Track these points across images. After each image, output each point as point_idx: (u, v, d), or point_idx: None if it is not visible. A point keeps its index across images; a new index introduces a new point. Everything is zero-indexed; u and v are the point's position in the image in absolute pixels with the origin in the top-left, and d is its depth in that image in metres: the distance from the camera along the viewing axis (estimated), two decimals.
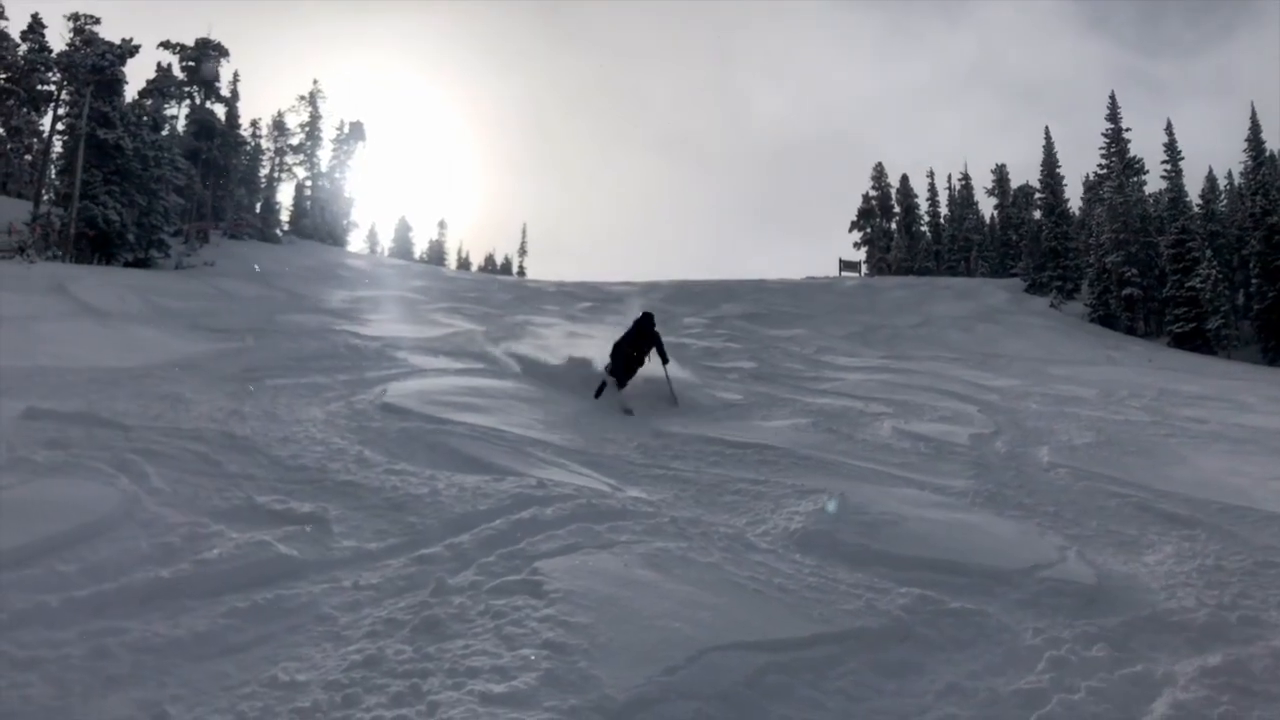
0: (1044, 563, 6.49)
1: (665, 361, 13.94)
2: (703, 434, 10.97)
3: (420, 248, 78.65)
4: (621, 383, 13.57)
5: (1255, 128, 48.45)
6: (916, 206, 70.72)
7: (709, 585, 4.97)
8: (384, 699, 3.56)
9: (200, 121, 47.50)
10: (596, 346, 15.38)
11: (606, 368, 13.64)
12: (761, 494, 7.80)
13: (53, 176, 38.48)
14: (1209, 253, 45.13)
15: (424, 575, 4.93)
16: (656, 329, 14.14)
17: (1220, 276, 43.98)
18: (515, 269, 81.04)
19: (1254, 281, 45.39)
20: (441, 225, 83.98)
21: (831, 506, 7.18)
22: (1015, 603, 5.63)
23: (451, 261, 79.54)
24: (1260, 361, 40.65)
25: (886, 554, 6.31)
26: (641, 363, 13.72)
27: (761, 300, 40.72)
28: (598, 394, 13.34)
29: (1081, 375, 25.10)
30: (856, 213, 71.21)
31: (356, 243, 63.95)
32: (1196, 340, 42.33)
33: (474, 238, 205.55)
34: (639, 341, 13.80)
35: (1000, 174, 65.97)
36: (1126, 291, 46.54)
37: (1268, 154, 49.28)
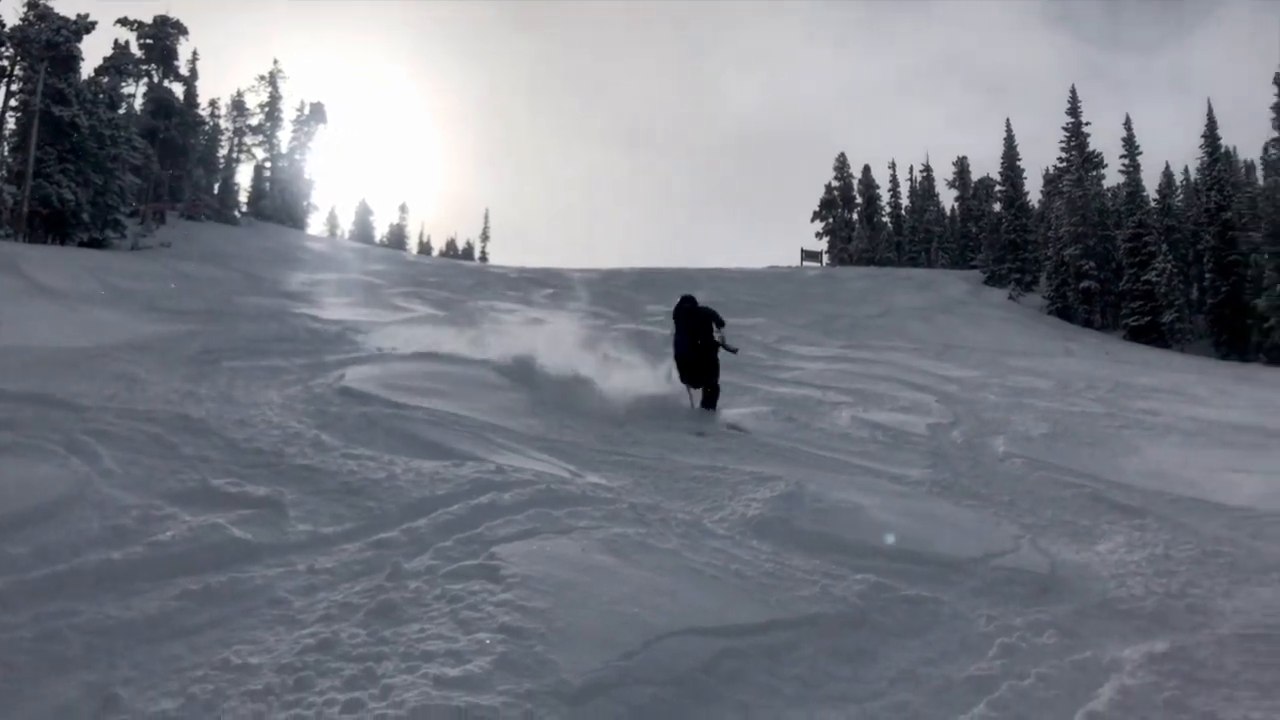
0: (998, 551, 6.57)
1: (721, 325, 12.51)
2: (663, 421, 11.00)
3: (381, 231, 78.11)
4: (691, 382, 12.27)
5: (1211, 124, 49.13)
6: (878, 198, 71.10)
7: (666, 571, 4.99)
8: (337, 682, 3.53)
9: (158, 100, 46.78)
10: (552, 337, 15.15)
11: (672, 376, 12.43)
12: (720, 481, 7.82)
13: (5, 154, 37.75)
14: (1165, 247, 45.80)
15: (380, 559, 4.90)
16: (701, 307, 12.61)
17: (1175, 271, 44.66)
18: (477, 254, 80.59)
19: (1208, 276, 46.13)
20: (403, 209, 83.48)
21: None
22: (969, 590, 5.70)
23: (413, 246, 78.93)
24: (1213, 355, 41.34)
25: (843, 541, 6.36)
26: (709, 357, 12.24)
27: (723, 289, 40.76)
28: (702, 404, 12.16)
29: (1039, 367, 25.42)
30: (819, 203, 71.45)
31: (316, 225, 63.23)
32: (1151, 333, 42.98)
33: (436, 222, 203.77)
34: (694, 332, 12.25)
35: (961, 166, 66.49)
36: (1084, 284, 47.14)
37: (1223, 150, 50.08)
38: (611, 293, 37.46)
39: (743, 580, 5.12)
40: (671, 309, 12.82)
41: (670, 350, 12.63)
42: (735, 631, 4.35)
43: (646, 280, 43.76)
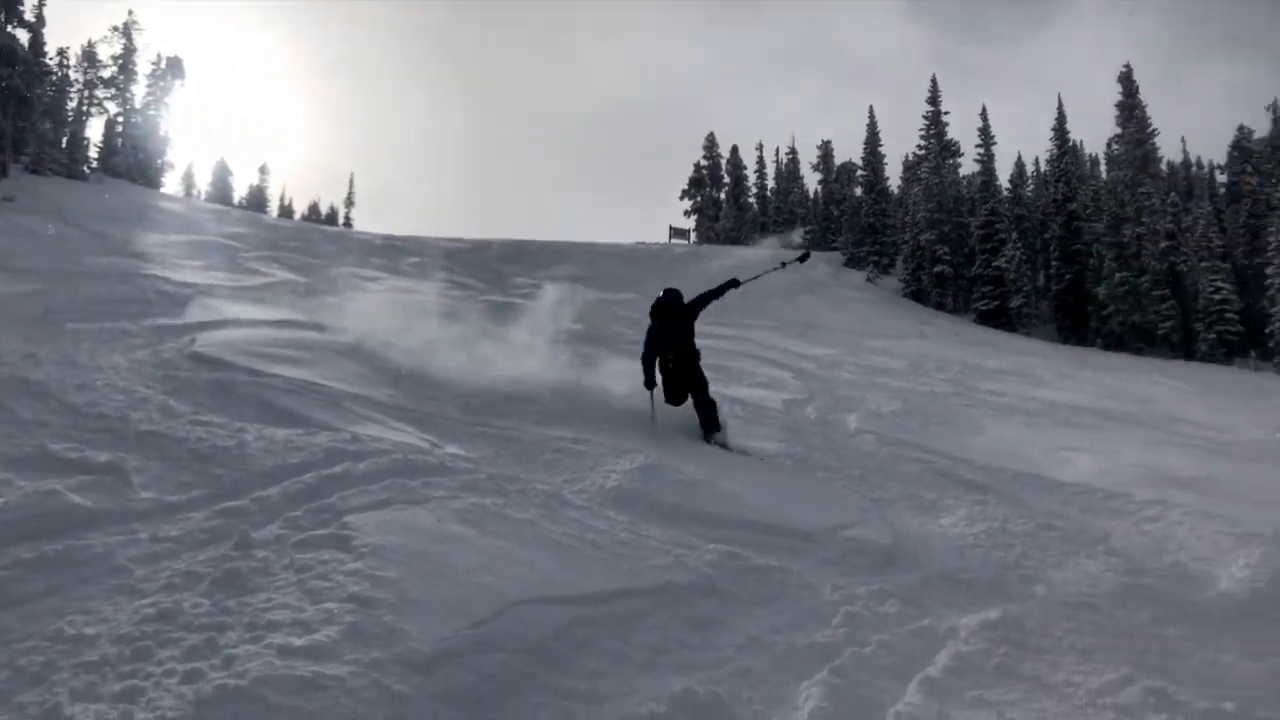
0: (846, 523, 6.79)
1: (724, 290, 10.34)
2: (527, 393, 10.95)
3: (240, 193, 75.21)
4: (675, 400, 10.02)
5: (1061, 118, 51.36)
6: (745, 178, 71.98)
7: (522, 541, 4.99)
8: (177, 653, 3.43)
9: (0, 46, 43.99)
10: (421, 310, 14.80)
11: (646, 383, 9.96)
12: (582, 453, 7.85)
13: None
14: (1015, 235, 47.76)
15: (227, 528, 4.76)
16: (689, 302, 10.21)
17: (1024, 258, 46.68)
18: (341, 220, 78.40)
19: (1053, 264, 48.44)
20: (263, 170, 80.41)
21: None
22: (818, 561, 5.88)
23: (273, 209, 76.34)
24: (1055, 339, 43.40)
25: (699, 512, 6.48)
26: (694, 367, 9.96)
27: (593, 264, 40.81)
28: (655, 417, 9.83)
29: (893, 348, 26.25)
30: (688, 181, 71.91)
31: (171, 185, 60.48)
32: (1000, 317, 44.85)
33: (299, 186, 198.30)
34: (679, 338, 9.97)
35: (825, 150, 67.80)
36: (938, 269, 48.81)
37: (1071, 144, 52.44)
38: (480, 264, 37.06)
39: (598, 550, 5.17)
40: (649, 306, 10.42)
41: (646, 366, 9.99)
42: (588, 600, 4.39)
43: (515, 252, 43.45)
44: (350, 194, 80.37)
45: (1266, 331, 39.83)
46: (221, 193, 71.54)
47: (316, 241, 37.65)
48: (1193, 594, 5.93)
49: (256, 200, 75.68)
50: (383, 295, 21.27)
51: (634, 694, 3.58)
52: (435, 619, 3.77)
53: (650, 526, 5.85)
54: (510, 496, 5.87)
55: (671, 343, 9.94)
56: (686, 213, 71.50)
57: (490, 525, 5.13)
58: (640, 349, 10.21)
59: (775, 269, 11.48)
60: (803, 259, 11.57)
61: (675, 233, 66.28)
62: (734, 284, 10.40)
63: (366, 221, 74.71)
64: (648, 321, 10.27)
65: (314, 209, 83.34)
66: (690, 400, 9.89)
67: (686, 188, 71.68)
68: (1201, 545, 6.98)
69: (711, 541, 5.67)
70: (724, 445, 9.40)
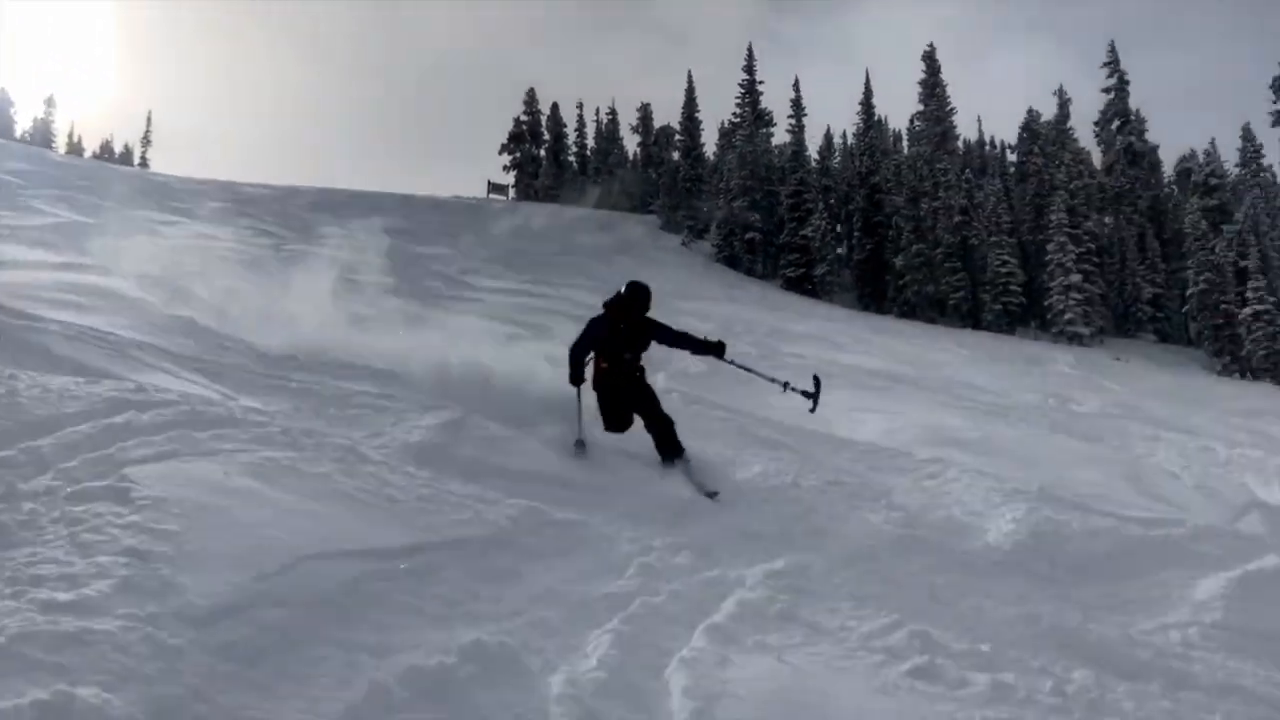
0: (646, 478, 6.94)
1: (705, 349, 8.63)
2: (329, 346, 10.66)
3: (22, 127, 69.95)
4: (618, 425, 8.22)
5: (868, 94, 53.39)
6: (565, 135, 71.81)
7: (314, 495, 4.87)
8: None
9: None
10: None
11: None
12: (385, 408, 7.68)
13: None
14: (821, 205, 49.44)
15: None
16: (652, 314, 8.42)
17: (829, 228, 48.43)
18: (137, 160, 73.81)
19: (856, 235, 50.46)
20: (49, 103, 74.82)
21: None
22: (617, 514, 5.99)
23: (60, 145, 71.23)
24: (856, 307, 45.31)
25: (502, 468, 6.50)
26: (642, 382, 8.37)
27: (410, 216, 39.89)
28: (579, 446, 7.59)
29: (705, 311, 26.82)
30: (508, 136, 71.11)
31: None
32: (806, 284, 46.43)
33: (90, 122, 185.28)
34: (632, 340, 8.30)
35: (645, 112, 68.37)
36: (749, 235, 50.05)
37: (877, 119, 54.52)
38: (287, 212, 35.69)
39: (394, 505, 5.10)
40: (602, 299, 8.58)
41: (574, 359, 8.24)
42: (380, 554, 4.33)
43: (326, 201, 42.08)
44: (148, 133, 75.24)
45: (1045, 304, 42.67)
46: (1, 125, 66.28)
47: (109, 181, 35.37)
48: (962, 545, 6.37)
49: (42, 135, 70.38)
50: (179, 241, 20.24)
51: (422, 646, 3.56)
52: (216, 573, 3.64)
53: (450, 481, 5.80)
54: (305, 450, 5.69)
55: (625, 346, 8.14)
56: (506, 168, 70.62)
57: (281, 480, 4.97)
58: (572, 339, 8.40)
59: (775, 384, 9.02)
60: (809, 395, 8.88)
61: (494, 188, 65.51)
62: (718, 350, 8.54)
63: (166, 164, 70.40)
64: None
65: (106, 147, 78.36)
66: (641, 423, 8.10)
67: (506, 143, 70.76)
68: (974, 500, 7.49)
69: (512, 496, 5.68)
70: (689, 477, 7.47)
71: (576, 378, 8.11)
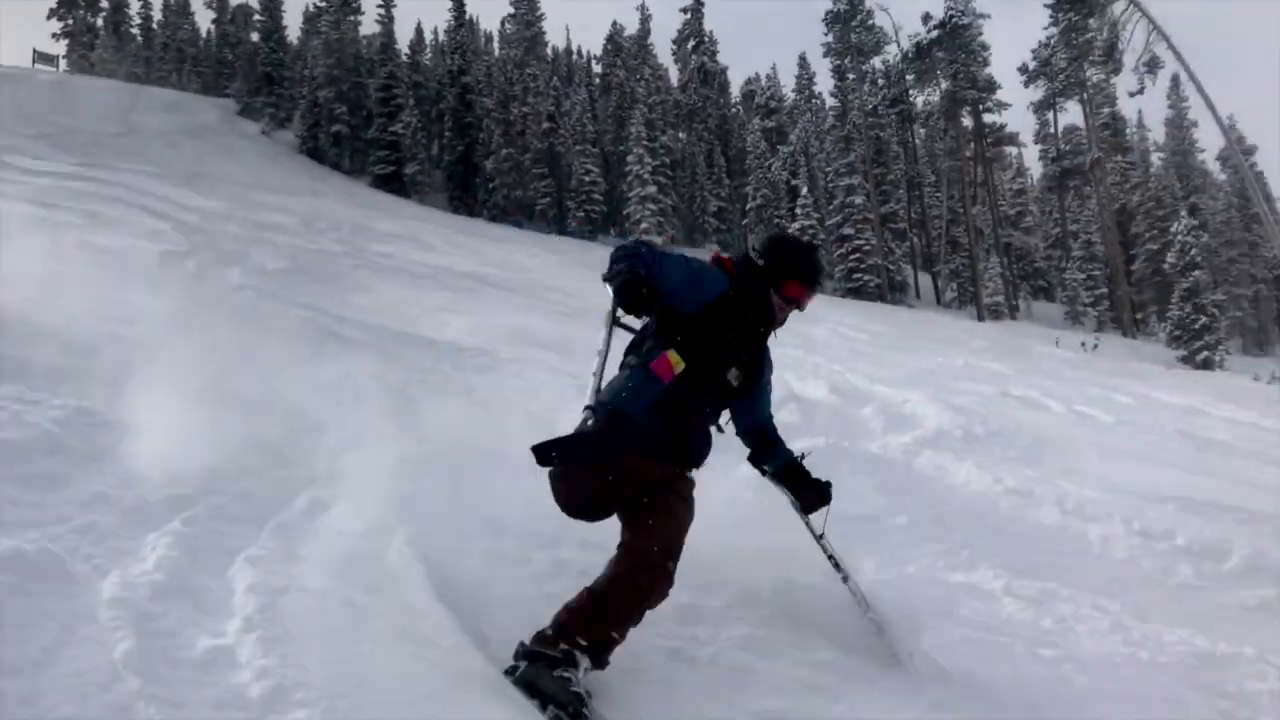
0: (223, 376, 6.60)
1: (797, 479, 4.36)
2: None
3: None
4: (590, 506, 3.68)
5: None
6: (128, 5, 64.68)
7: None
8: None
9: None
10: None
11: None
12: None
13: None
14: (412, 102, 48.49)
15: None
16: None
17: (420, 126, 47.70)
18: None
19: (447, 134, 50.04)
20: None
21: None
22: None
23: None
24: (447, 208, 45.20)
25: (52, 366, 5.89)
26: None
27: None
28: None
29: (286, 204, 25.58)
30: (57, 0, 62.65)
31: None
32: (395, 182, 45.61)
33: None
34: (751, 352, 3.93)
35: None
36: (336, 128, 48.18)
37: (469, 17, 54.01)
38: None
39: None
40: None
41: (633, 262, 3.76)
42: None
43: None
44: None
45: (625, 212, 44.96)
46: None
47: None
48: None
49: None
50: None
51: None
52: None
53: None
54: None
55: (735, 358, 3.84)
56: (55, 36, 62.24)
57: None
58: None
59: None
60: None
61: (41, 58, 57.66)
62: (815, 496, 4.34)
63: None
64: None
65: None
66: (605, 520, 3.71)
67: (55, 7, 62.27)
68: (551, 396, 7.86)
69: (57, 397, 5.17)
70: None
71: (633, 284, 3.62)
